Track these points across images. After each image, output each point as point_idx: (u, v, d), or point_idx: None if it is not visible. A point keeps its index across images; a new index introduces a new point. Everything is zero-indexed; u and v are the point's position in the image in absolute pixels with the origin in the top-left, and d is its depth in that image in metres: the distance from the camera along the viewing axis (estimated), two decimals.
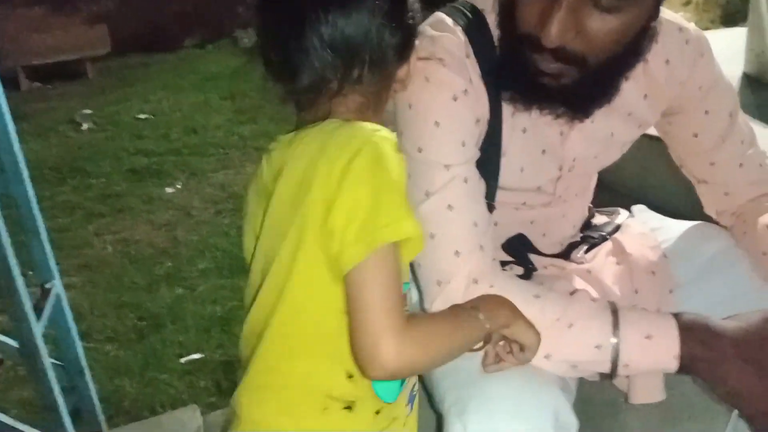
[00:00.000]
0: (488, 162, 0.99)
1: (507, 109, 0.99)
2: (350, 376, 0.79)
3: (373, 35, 0.77)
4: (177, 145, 4.55)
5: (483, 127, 0.99)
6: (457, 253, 0.92)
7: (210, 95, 5.56)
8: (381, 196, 0.72)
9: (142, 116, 5.20)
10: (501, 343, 0.87)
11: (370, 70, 0.78)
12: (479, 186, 0.97)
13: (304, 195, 0.74)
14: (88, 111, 5.29)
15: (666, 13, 1.03)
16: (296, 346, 0.80)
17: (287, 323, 0.79)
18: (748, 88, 1.05)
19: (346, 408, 0.79)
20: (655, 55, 1.01)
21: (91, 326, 2.53)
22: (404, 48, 0.82)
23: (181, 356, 2.29)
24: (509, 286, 0.92)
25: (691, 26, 1.07)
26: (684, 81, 1.06)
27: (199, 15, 7.79)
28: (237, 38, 6.91)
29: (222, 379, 2.13)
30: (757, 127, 1.16)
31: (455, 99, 0.94)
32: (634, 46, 0.93)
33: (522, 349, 0.86)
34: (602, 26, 0.86)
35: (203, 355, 2.28)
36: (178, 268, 2.96)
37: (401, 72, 0.85)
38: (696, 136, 1.11)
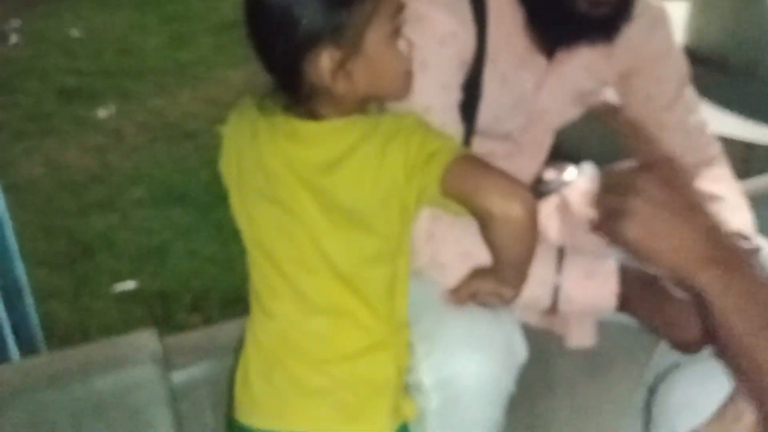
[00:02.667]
0: (468, 105, 1.03)
1: (490, 55, 1.02)
2: None
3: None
4: (110, 66, 4.36)
5: (466, 70, 1.02)
6: None
7: (147, 17, 5.33)
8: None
9: (74, 34, 4.95)
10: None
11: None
12: (456, 130, 1.00)
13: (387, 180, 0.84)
14: (16, 23, 5.00)
15: None
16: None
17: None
18: (687, 62, 1.13)
19: None
20: None
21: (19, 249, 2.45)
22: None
23: (114, 284, 2.26)
24: (469, 225, 0.96)
25: None
26: (641, 45, 1.11)
27: None
28: None
29: (157, 309, 2.13)
30: None
31: (443, 42, 0.97)
32: None
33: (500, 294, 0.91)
34: None
35: (137, 285, 2.25)
36: (111, 195, 2.89)
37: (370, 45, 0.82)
38: (648, 99, 1.17)
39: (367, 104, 0.87)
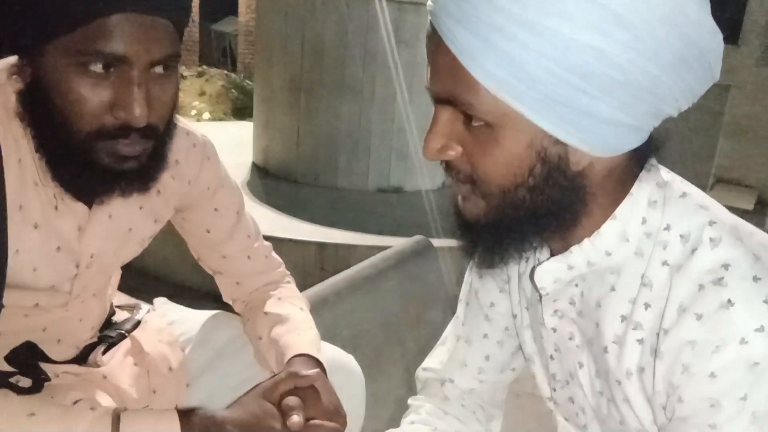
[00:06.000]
0: None
1: (14, 204, 0.91)
2: None
3: None
4: None
5: None
6: None
7: None
8: None
9: None
10: None
11: None
12: None
13: None
14: None
15: (179, 119, 1.07)
16: None
17: None
18: (257, 176, 1.18)
19: None
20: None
21: None
22: None
23: None
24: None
25: (199, 132, 1.15)
26: (192, 180, 1.12)
27: None
28: None
29: None
30: (264, 209, 1.28)
31: None
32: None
33: None
34: (167, 88, 0.90)
35: None
36: None
37: None
38: (208, 231, 1.18)
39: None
